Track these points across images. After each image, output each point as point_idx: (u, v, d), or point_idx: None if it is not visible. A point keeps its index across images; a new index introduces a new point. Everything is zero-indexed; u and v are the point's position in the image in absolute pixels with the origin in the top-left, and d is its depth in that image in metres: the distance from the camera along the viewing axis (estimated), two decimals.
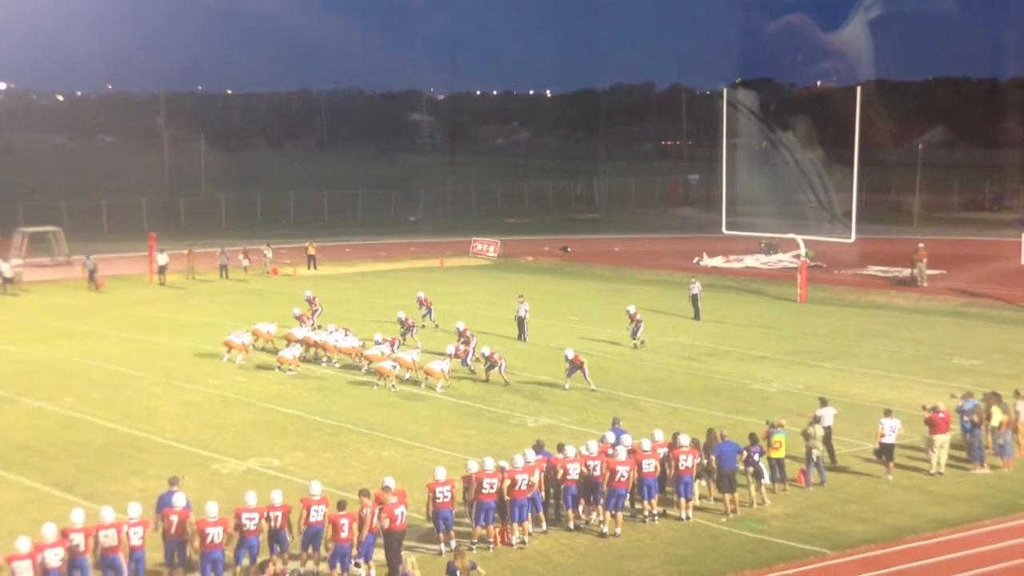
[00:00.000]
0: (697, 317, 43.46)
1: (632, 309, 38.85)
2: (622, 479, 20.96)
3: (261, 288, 52.45)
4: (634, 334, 38.29)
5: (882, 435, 24.16)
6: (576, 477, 21.15)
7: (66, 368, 35.22)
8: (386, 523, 18.92)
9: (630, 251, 67.03)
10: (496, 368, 32.50)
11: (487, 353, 32.70)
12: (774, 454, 23.21)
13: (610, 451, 21.54)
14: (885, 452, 24.20)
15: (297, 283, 53.30)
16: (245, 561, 18.70)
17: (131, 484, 23.66)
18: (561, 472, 21.16)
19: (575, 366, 31.93)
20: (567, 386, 31.96)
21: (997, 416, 25.11)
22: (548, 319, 42.56)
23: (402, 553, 19.21)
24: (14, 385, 32.66)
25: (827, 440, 24.61)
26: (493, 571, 19.01)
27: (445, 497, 19.88)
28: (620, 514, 21.11)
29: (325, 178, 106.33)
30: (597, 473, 21.10)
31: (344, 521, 18.64)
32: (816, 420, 24.31)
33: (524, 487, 20.35)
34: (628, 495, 21.37)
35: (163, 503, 19.04)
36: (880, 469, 24.32)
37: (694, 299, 43.76)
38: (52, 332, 41.27)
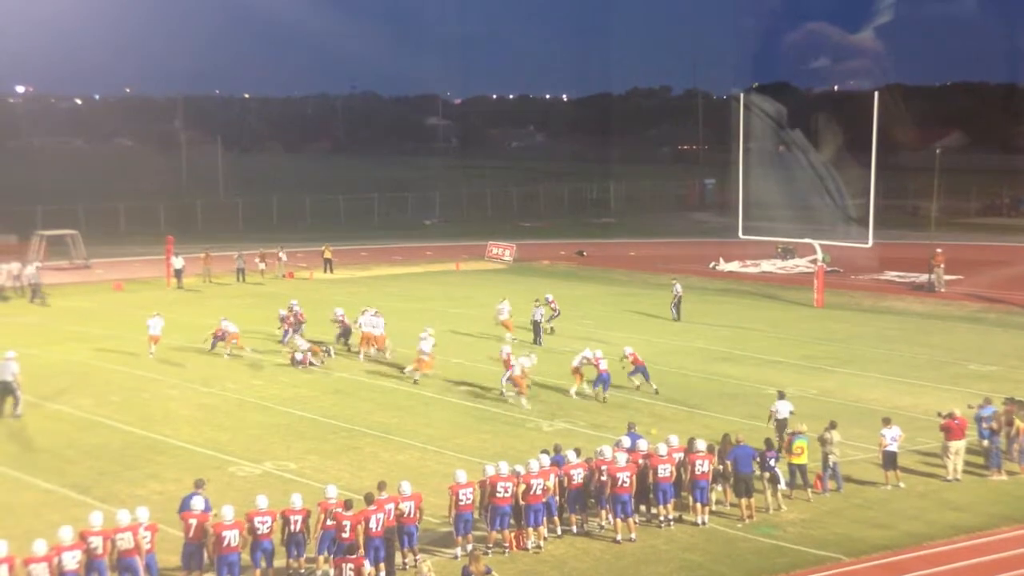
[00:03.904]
0: (677, 318, 44.28)
1: (550, 297, 41.89)
2: (624, 485, 20.96)
3: (277, 291, 52.58)
4: (549, 319, 40.62)
5: (884, 445, 24.02)
6: (580, 481, 21.18)
7: (83, 371, 35.42)
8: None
9: (646, 255, 66.96)
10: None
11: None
12: (795, 460, 23.12)
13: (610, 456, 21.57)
14: (889, 461, 24.06)
15: (313, 286, 53.46)
16: (263, 563, 18.77)
17: (148, 487, 23.79)
18: (565, 479, 21.23)
19: (600, 376, 31.68)
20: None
21: (1018, 423, 24.99)
22: (563, 323, 42.51)
23: (417, 557, 19.30)
24: (32, 388, 32.73)
25: (781, 431, 25.10)
26: None
27: (468, 499, 19.96)
28: (632, 519, 21.10)
29: (341, 182, 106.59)
30: (604, 479, 21.12)
31: (347, 522, 18.69)
32: (829, 428, 24.14)
33: (539, 492, 20.39)
34: (632, 500, 21.28)
35: (184, 506, 19.10)
36: (890, 478, 24.02)
37: (677, 301, 44.37)
38: (70, 335, 41.49)
